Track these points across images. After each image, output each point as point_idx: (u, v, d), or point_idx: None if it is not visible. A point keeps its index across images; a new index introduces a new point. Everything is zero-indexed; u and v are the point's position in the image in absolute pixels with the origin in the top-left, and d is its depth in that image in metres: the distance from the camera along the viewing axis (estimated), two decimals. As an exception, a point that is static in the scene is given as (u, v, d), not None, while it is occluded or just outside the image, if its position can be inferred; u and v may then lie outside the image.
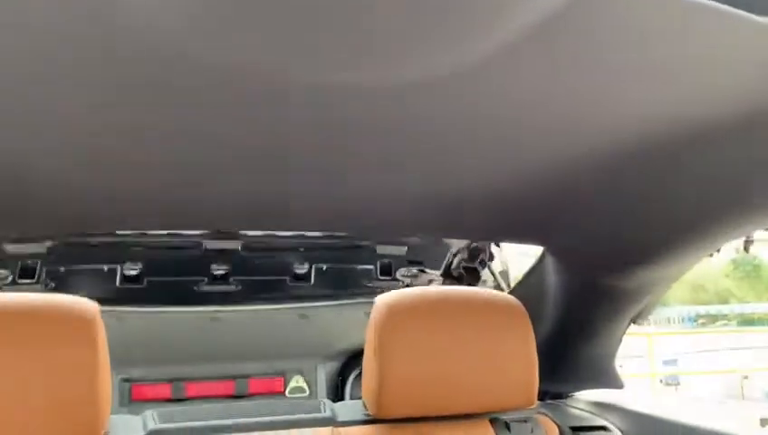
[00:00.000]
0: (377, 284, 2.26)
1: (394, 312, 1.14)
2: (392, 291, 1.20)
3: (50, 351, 0.94)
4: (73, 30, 0.66)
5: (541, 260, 1.43)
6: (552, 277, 1.36)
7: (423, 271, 2.21)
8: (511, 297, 1.25)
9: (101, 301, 1.83)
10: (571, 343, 1.40)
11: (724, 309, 54.76)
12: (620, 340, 1.43)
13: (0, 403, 0.92)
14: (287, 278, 2.17)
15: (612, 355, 1.44)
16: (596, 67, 0.73)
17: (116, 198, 1.22)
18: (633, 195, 1.07)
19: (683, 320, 56.25)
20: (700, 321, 56.53)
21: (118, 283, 2.07)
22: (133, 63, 0.73)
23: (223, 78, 0.73)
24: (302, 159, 1.01)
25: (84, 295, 1.59)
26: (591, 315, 1.35)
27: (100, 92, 0.78)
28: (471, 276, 2.33)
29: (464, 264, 2.30)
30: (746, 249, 1.36)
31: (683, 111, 0.83)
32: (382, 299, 1.17)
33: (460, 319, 1.15)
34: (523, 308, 1.22)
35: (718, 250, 1.23)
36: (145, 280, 2.11)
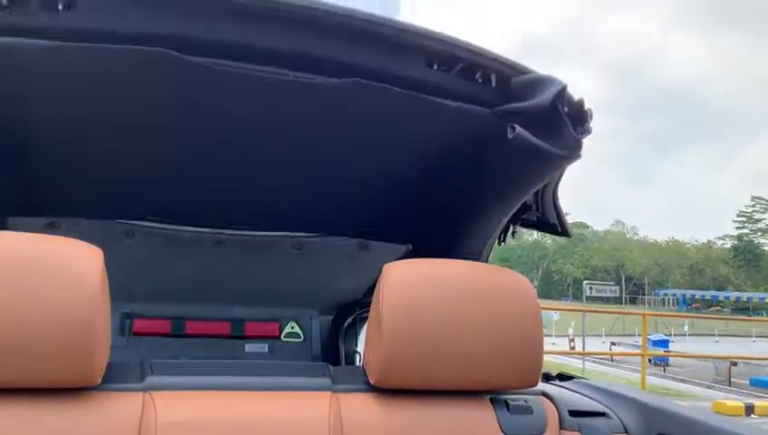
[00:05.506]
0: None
1: (402, 281, 1.11)
2: (402, 260, 1.16)
3: (48, 298, 0.92)
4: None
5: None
6: None
7: None
8: (521, 275, 1.22)
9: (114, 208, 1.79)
10: None
11: (720, 295, 55.13)
12: None
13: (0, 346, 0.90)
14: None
15: None
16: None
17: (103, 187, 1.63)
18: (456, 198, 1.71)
19: (678, 302, 56.70)
20: (694, 305, 56.98)
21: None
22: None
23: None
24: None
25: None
26: None
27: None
28: None
29: None
30: (513, 235, 1.82)
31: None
32: (391, 267, 1.14)
33: (469, 293, 1.12)
34: (531, 287, 1.19)
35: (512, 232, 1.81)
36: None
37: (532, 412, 1.16)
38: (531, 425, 1.14)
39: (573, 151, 1.36)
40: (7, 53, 1.13)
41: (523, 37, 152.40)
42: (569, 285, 73.94)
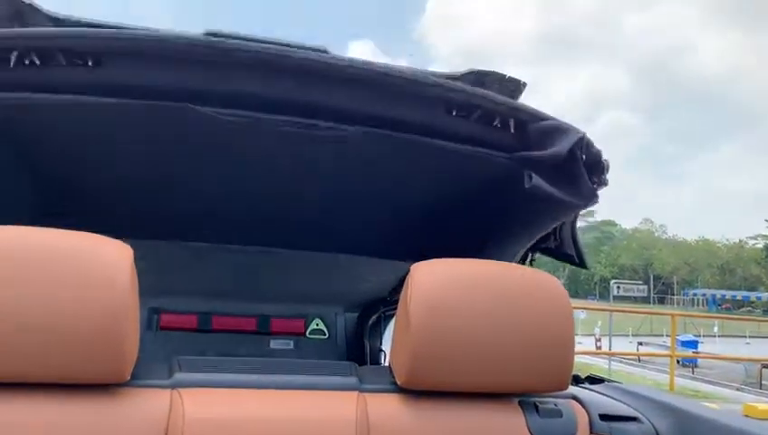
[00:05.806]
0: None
1: (430, 280, 1.06)
2: (430, 260, 1.15)
3: (78, 294, 0.92)
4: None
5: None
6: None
7: None
8: (552, 277, 1.19)
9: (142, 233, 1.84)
10: None
11: (751, 296, 53.97)
12: None
13: (27, 340, 0.91)
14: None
15: None
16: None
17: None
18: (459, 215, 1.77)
19: (707, 302, 55.64)
20: (724, 305, 55.83)
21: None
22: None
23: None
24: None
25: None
26: None
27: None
28: None
29: None
30: (531, 263, 1.86)
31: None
32: (418, 267, 1.12)
33: (498, 293, 1.10)
34: (562, 288, 1.17)
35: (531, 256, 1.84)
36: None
37: (561, 416, 1.14)
38: (560, 429, 1.12)
39: (588, 201, 1.39)
40: (39, 108, 1.21)
41: (548, 32, 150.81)
42: (596, 283, 73.03)
